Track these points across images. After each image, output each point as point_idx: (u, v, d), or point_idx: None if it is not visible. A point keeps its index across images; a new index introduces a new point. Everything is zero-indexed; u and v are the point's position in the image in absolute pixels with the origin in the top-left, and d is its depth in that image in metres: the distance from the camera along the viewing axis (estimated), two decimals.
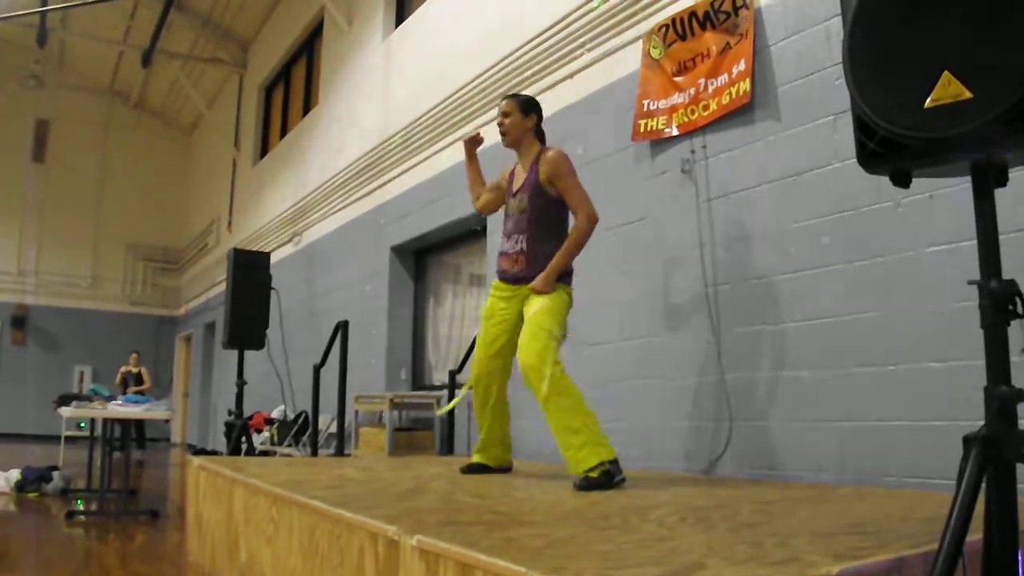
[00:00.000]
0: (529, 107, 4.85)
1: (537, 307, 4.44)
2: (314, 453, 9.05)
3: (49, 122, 22.39)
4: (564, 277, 4.61)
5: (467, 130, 8.84)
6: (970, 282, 1.99)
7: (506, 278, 4.74)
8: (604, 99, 6.82)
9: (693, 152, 5.88)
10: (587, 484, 3.99)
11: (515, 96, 4.98)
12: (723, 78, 5.71)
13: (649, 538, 2.48)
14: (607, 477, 4.05)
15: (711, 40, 5.85)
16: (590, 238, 4.62)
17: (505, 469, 5.07)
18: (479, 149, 5.29)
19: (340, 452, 8.69)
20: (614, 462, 4.14)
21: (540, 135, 4.90)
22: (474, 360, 4.91)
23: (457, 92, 9.06)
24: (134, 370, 16.75)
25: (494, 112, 8.27)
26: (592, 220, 4.58)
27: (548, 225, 4.64)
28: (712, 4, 5.84)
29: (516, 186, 4.78)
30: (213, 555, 4.68)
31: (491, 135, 5.35)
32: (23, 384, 20.43)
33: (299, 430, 10.82)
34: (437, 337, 10.21)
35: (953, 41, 1.89)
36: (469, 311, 9.56)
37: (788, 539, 2.43)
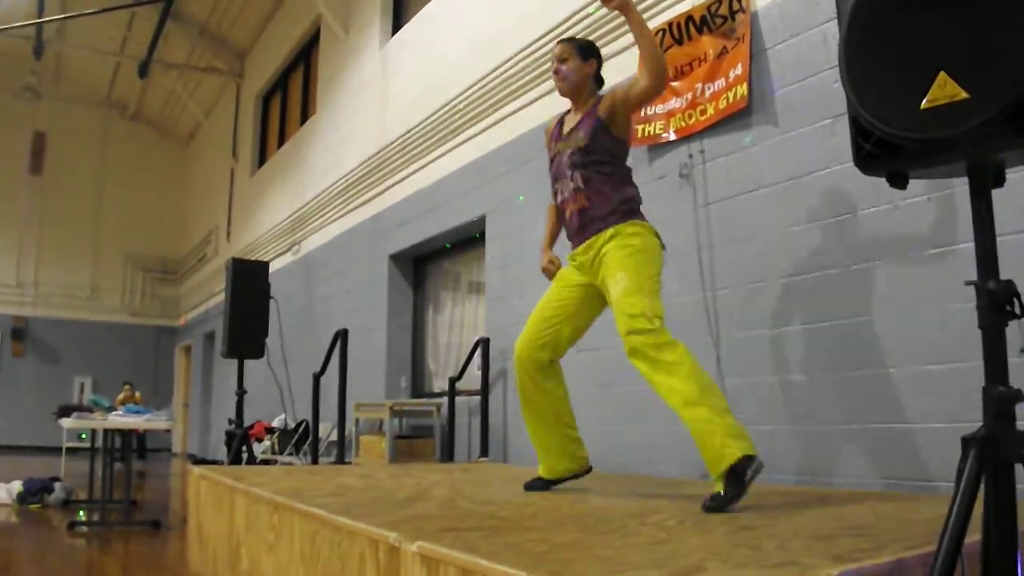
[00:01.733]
0: (589, 51, 4.28)
1: (621, 284, 3.82)
2: (315, 461, 9.05)
3: (46, 134, 22.37)
4: (636, 213, 4.07)
5: (466, 136, 8.87)
6: (967, 283, 1.99)
7: (574, 233, 4.12)
8: None
9: (691, 156, 5.89)
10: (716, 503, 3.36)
11: (571, 39, 4.39)
12: (720, 82, 5.72)
13: (648, 542, 2.48)
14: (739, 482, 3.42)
15: (708, 44, 5.86)
16: (662, 67, 3.84)
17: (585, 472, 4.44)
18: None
19: (341, 460, 8.69)
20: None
21: (600, 83, 4.34)
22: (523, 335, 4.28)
23: (455, 99, 9.07)
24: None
25: (493, 118, 8.33)
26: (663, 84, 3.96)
27: (609, 159, 4.07)
28: (709, 8, 5.85)
29: (568, 128, 4.22)
30: (215, 564, 4.68)
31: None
32: (23, 396, 20.41)
33: (300, 439, 10.81)
34: (437, 345, 10.21)
35: (949, 42, 1.89)
36: (468, 318, 9.56)
37: (787, 542, 2.43)
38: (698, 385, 3.62)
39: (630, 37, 6.49)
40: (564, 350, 4.29)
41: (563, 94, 4.33)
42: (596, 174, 4.04)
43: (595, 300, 4.15)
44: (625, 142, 4.15)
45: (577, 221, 4.08)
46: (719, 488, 3.39)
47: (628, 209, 4.03)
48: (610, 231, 3.95)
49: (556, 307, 4.21)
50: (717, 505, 3.31)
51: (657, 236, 4.04)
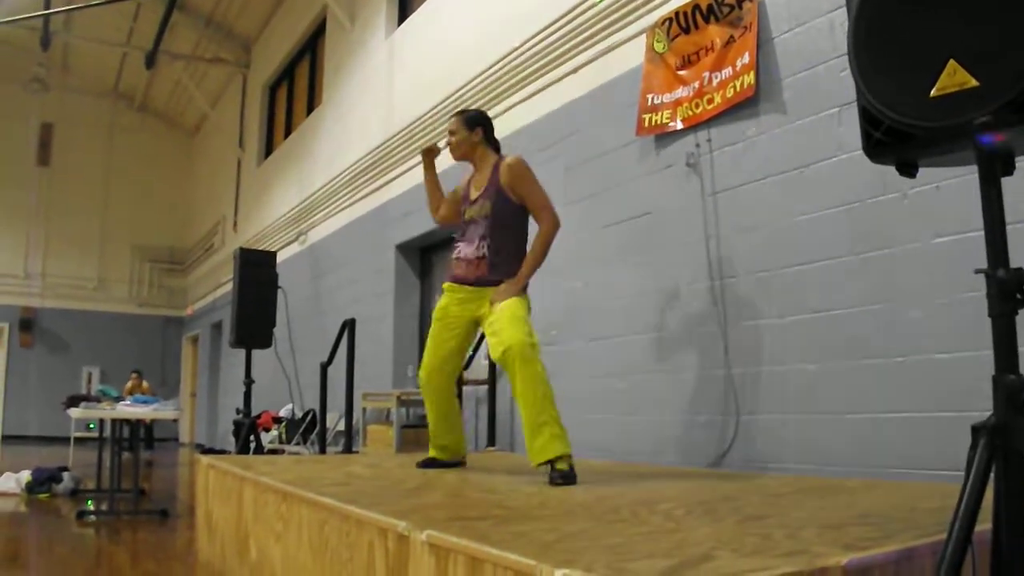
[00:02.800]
0: (474, 121, 4.93)
1: (505, 305, 4.45)
2: (322, 451, 9.05)
3: (53, 125, 22.40)
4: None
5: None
6: (977, 271, 1.98)
7: (465, 281, 4.74)
8: (608, 94, 6.81)
9: (698, 146, 5.88)
10: (562, 477, 4.03)
11: (461, 112, 5.08)
12: (727, 71, 5.70)
13: (658, 531, 2.48)
14: (572, 471, 4.09)
15: (715, 33, 5.84)
16: (554, 242, 4.65)
17: (458, 463, 5.11)
18: (439, 160, 5.35)
19: (348, 449, 8.69)
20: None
21: (493, 145, 4.95)
22: (424, 359, 4.96)
23: (460, 89, 9.06)
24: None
25: (499, 108, 8.31)
26: (556, 224, 4.63)
27: (510, 230, 4.68)
28: None
29: (475, 194, 4.80)
30: (223, 553, 4.69)
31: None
32: (32, 386, 20.47)
33: (307, 428, 10.84)
34: None
35: (958, 29, 1.88)
36: None
37: (797, 531, 2.43)
38: (544, 400, 4.25)
39: (636, 26, 6.52)
40: (455, 377, 5.08)
41: (456, 159, 5.03)
42: (497, 246, 4.63)
43: (471, 331, 4.87)
44: (525, 209, 4.69)
45: (474, 276, 4.68)
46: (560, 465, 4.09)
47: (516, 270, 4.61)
48: (503, 285, 4.56)
49: (447, 340, 4.87)
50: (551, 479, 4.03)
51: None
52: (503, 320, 4.37)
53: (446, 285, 4.87)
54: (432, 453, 5.07)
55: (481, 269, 4.64)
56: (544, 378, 4.24)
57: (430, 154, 5.29)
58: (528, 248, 4.69)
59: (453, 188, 5.14)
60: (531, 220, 4.73)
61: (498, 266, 4.60)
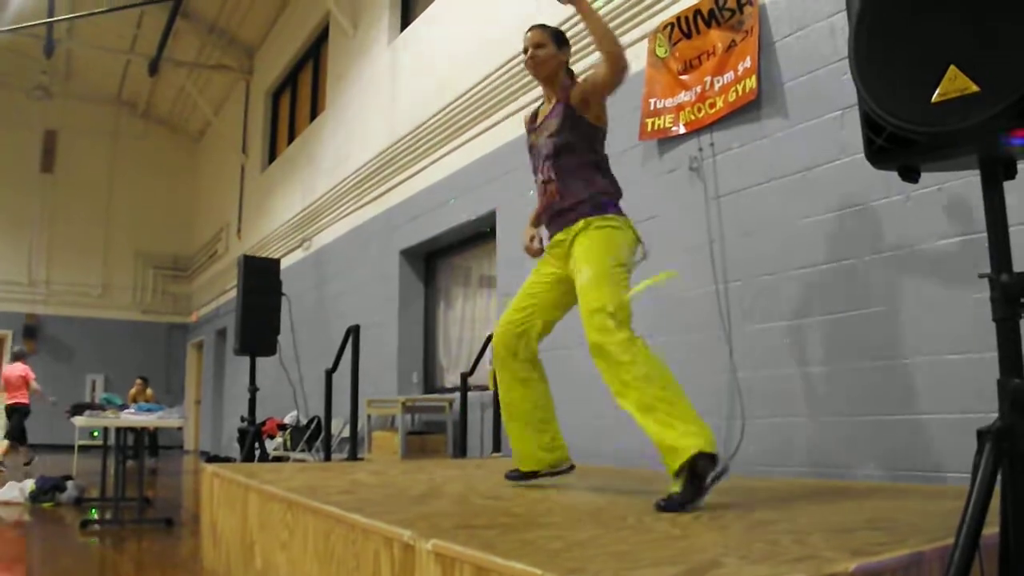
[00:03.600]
0: (563, 39, 4.25)
1: (584, 277, 3.77)
2: (327, 458, 9.06)
3: (57, 132, 22.46)
4: (610, 206, 3.95)
5: (476, 131, 8.86)
6: (981, 275, 1.99)
7: (548, 223, 4.09)
8: (611, 98, 6.79)
9: (701, 150, 5.88)
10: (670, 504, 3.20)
11: (545, 26, 4.29)
12: (729, 75, 5.70)
13: (664, 538, 2.48)
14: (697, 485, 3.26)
15: (716, 37, 5.85)
16: (618, 51, 3.81)
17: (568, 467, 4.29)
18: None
19: (353, 456, 8.71)
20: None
21: (571, 74, 4.26)
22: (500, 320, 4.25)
23: (464, 95, 9.07)
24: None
25: (501, 114, 8.32)
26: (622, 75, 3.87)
27: (581, 148, 4.00)
28: (717, 1, 5.84)
29: (541, 118, 4.20)
30: (228, 562, 4.69)
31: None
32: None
33: (312, 435, 10.83)
34: (448, 340, 10.21)
35: (959, 35, 1.89)
36: (480, 313, 9.56)
37: (804, 536, 2.43)
38: (654, 387, 3.50)
39: (637, 31, 6.54)
40: (536, 342, 4.20)
41: (538, 79, 4.29)
42: (567, 165, 3.98)
43: (568, 291, 4.00)
44: (600, 129, 4.09)
45: (549, 212, 4.06)
46: (675, 488, 3.23)
47: (601, 202, 3.93)
48: (581, 223, 3.88)
49: (529, 299, 4.17)
50: (669, 506, 3.15)
51: (633, 230, 3.98)
52: (579, 297, 3.77)
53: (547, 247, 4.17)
54: (528, 466, 4.25)
55: (551, 191, 4.01)
56: (643, 371, 3.55)
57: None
58: (612, 178, 4.05)
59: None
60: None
61: (570, 186, 3.95)
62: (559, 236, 4.00)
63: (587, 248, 3.82)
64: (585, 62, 7.13)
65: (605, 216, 3.89)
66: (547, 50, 4.16)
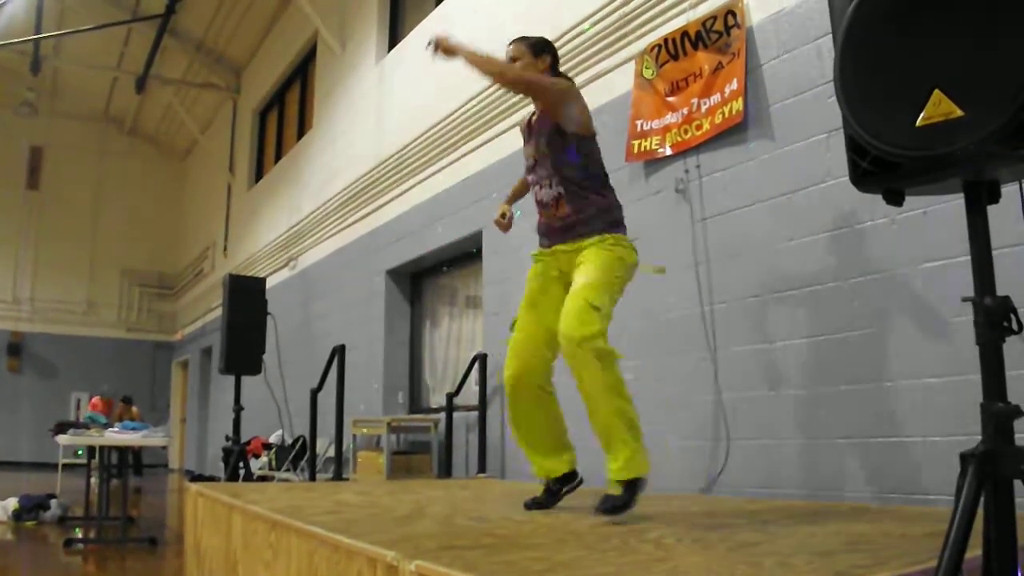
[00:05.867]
0: (540, 47, 4.24)
1: (590, 273, 3.80)
2: (312, 478, 9.03)
3: (43, 149, 22.42)
4: (615, 225, 3.98)
5: (462, 151, 8.87)
6: (964, 299, 2.00)
7: (553, 235, 4.04)
8: (597, 120, 6.79)
9: (687, 172, 5.90)
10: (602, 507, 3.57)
11: (523, 38, 4.33)
12: (716, 97, 5.73)
13: (648, 559, 2.47)
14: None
15: (703, 59, 5.88)
16: (538, 87, 4.06)
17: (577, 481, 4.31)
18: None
19: (338, 476, 8.68)
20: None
21: (558, 74, 4.27)
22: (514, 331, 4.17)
23: (451, 115, 9.08)
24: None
25: (489, 134, 8.33)
26: (551, 90, 4.03)
27: (577, 162, 3.99)
28: (704, 24, 5.87)
29: (534, 131, 4.17)
30: None
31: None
32: (19, 412, 20.35)
33: (297, 455, 10.80)
34: (434, 360, 10.20)
35: (943, 60, 1.90)
36: (465, 333, 9.55)
37: (788, 558, 2.42)
38: (620, 400, 3.77)
39: (624, 52, 6.56)
40: (549, 369, 4.11)
41: (517, 93, 4.33)
42: (573, 177, 3.98)
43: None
44: (583, 136, 4.04)
45: (555, 224, 4.02)
46: (617, 492, 3.64)
47: (612, 220, 3.97)
48: (595, 238, 3.89)
49: (534, 318, 4.07)
50: (608, 506, 3.58)
51: (636, 253, 4.02)
52: (571, 301, 3.75)
53: (533, 254, 4.18)
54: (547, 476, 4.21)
55: (560, 207, 3.97)
56: (617, 377, 3.71)
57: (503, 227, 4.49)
58: (605, 187, 4.06)
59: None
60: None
61: (577, 199, 3.94)
62: (563, 247, 4.00)
63: (599, 257, 3.85)
64: (588, 73, 7.16)
65: (618, 236, 3.94)
66: (523, 62, 4.21)
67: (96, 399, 16.92)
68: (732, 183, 5.58)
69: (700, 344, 5.64)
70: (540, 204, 4.10)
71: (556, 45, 7.20)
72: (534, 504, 4.09)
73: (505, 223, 4.42)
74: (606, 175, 4.12)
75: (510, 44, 4.32)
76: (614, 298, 3.82)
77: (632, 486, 3.66)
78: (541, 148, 4.06)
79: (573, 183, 3.97)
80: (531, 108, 4.34)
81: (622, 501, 3.61)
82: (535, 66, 4.17)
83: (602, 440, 3.73)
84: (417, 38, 10.49)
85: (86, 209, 22.90)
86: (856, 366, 4.68)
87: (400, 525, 3.42)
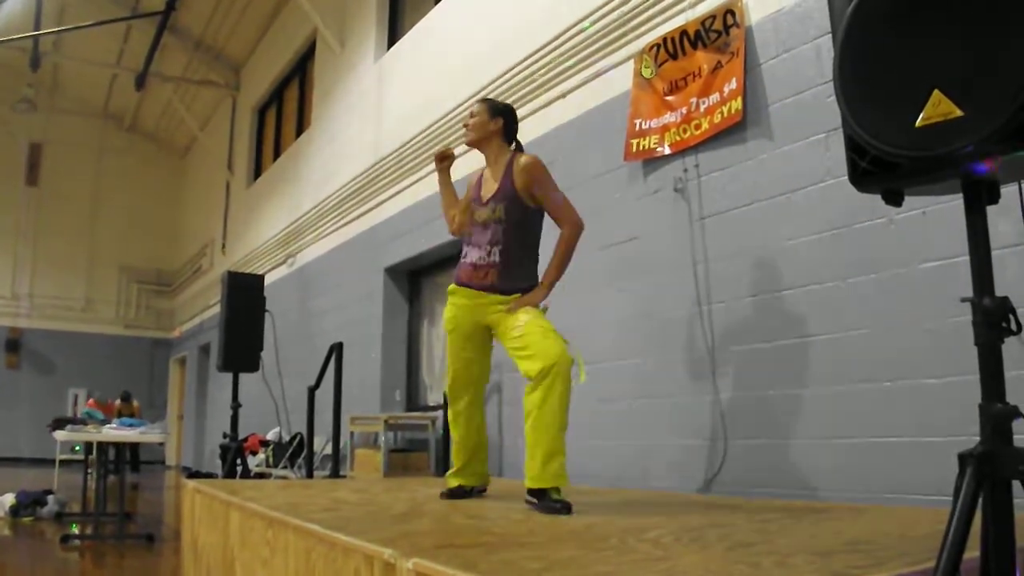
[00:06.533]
0: (498, 111, 4.60)
1: (528, 319, 4.16)
2: (309, 475, 9.03)
3: (42, 145, 22.42)
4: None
5: (459, 151, 8.86)
6: (963, 299, 1.99)
7: (471, 286, 4.42)
8: (596, 119, 6.83)
9: (686, 171, 5.90)
10: (564, 505, 3.82)
11: (487, 100, 4.74)
12: (715, 97, 5.72)
13: (646, 559, 2.47)
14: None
15: (702, 59, 5.87)
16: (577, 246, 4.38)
17: (485, 488, 4.76)
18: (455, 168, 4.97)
19: (335, 474, 8.67)
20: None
21: (512, 141, 4.61)
22: (448, 376, 4.64)
23: (449, 113, 9.08)
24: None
25: None
26: (578, 227, 4.36)
27: (524, 236, 4.37)
28: (703, 23, 5.87)
29: (487, 194, 4.47)
30: None
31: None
32: (17, 408, 20.36)
33: (294, 452, 10.80)
34: (432, 358, 10.20)
35: (943, 59, 1.90)
36: None
37: (786, 558, 2.42)
38: (561, 419, 4.01)
39: (623, 51, 6.56)
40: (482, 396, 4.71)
41: (467, 143, 4.70)
42: (510, 253, 4.33)
43: (487, 338, 4.51)
44: (540, 211, 4.42)
45: (480, 283, 4.38)
46: (553, 495, 3.92)
47: (531, 286, 4.36)
48: (515, 296, 4.31)
49: (467, 363, 4.56)
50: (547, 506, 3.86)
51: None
52: (535, 335, 4.07)
53: (451, 288, 4.55)
54: (458, 481, 4.64)
55: (490, 276, 4.33)
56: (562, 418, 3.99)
57: (444, 160, 4.87)
58: (538, 254, 4.46)
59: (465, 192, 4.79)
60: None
61: (509, 274, 4.31)
62: (492, 297, 4.37)
63: (530, 319, 4.22)
64: (570, 81, 7.17)
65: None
66: (478, 118, 4.59)
67: (91, 402, 16.92)
68: (731, 182, 5.58)
69: (698, 344, 5.64)
70: (472, 261, 4.45)
71: (556, 44, 7.27)
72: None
73: (446, 155, 4.90)
74: (537, 241, 4.50)
75: (475, 103, 4.73)
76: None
77: (556, 495, 3.97)
78: (497, 215, 4.38)
79: (512, 254, 4.36)
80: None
81: (558, 506, 3.87)
82: (487, 125, 4.56)
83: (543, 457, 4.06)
84: (415, 37, 10.48)
85: (85, 206, 22.91)
86: (854, 366, 4.68)
87: (397, 523, 3.42)
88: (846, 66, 2.09)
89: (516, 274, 4.35)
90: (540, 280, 4.40)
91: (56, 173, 22.56)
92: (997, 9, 1.81)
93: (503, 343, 4.32)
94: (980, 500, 1.86)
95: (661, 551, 2.63)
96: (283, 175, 15.05)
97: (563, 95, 7.31)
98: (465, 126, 4.66)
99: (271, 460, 11.22)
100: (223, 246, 18.60)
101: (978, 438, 1.90)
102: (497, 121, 4.56)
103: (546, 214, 4.42)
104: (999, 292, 1.94)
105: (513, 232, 4.34)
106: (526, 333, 4.12)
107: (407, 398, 10.31)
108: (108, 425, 7.92)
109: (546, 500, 3.89)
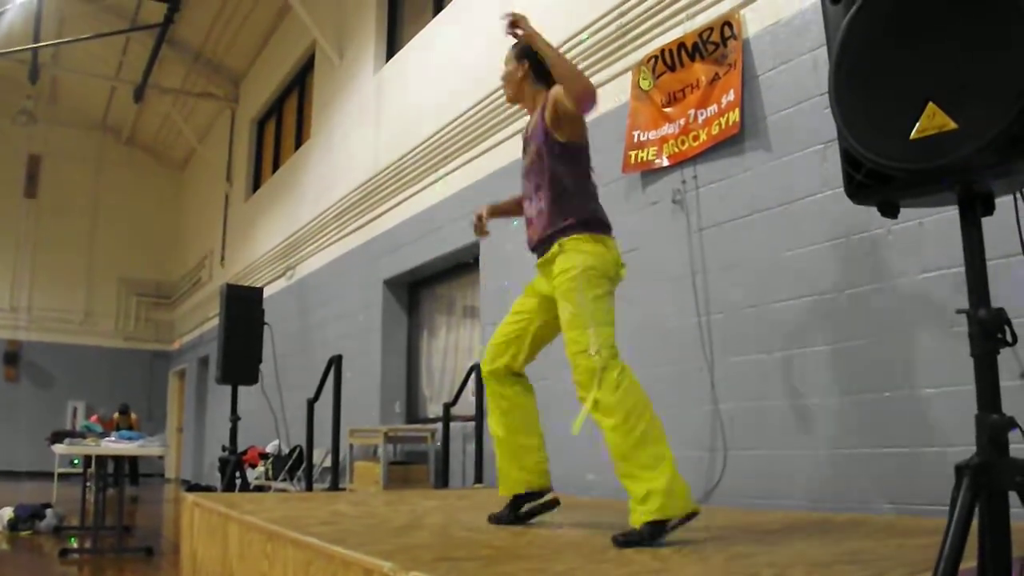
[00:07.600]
0: (523, 53, 4.14)
1: (569, 307, 3.69)
2: (309, 488, 9.02)
3: (41, 158, 22.43)
4: (595, 225, 3.86)
5: (459, 162, 8.88)
6: (959, 311, 2.00)
7: (533, 245, 3.99)
8: (594, 131, 6.80)
9: (684, 182, 5.91)
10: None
11: (513, 46, 4.25)
12: (713, 108, 5.74)
13: (644, 571, 2.47)
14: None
15: (700, 71, 5.89)
16: (582, 86, 3.77)
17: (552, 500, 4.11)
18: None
19: (335, 486, 8.66)
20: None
21: (545, 81, 4.06)
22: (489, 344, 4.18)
23: (449, 124, 9.09)
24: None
25: (487, 144, 8.34)
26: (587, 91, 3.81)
27: (565, 173, 3.92)
28: (701, 35, 5.88)
29: (527, 136, 4.14)
30: None
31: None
32: (16, 420, 20.34)
33: (293, 465, 10.78)
34: (431, 370, 10.19)
35: (937, 73, 1.91)
36: (463, 343, 9.55)
37: (785, 569, 2.43)
38: (632, 437, 3.54)
39: (621, 63, 6.57)
40: (522, 363, 4.16)
41: (508, 102, 4.39)
42: (548, 188, 3.90)
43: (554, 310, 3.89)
44: (576, 144, 4.00)
45: (531, 234, 4.00)
46: (637, 525, 3.24)
47: (577, 221, 3.82)
48: (555, 247, 3.81)
49: (517, 319, 4.11)
50: (628, 541, 3.16)
51: (608, 247, 3.85)
52: (570, 347, 3.70)
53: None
54: (506, 490, 4.04)
55: (543, 226, 3.89)
56: (621, 418, 3.63)
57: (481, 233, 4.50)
58: (591, 196, 3.97)
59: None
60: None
61: (558, 210, 3.85)
62: (545, 257, 3.90)
63: (565, 283, 3.73)
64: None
65: (576, 237, 3.80)
66: (507, 67, 4.22)
67: (95, 418, 16.92)
68: (729, 194, 5.59)
69: (697, 354, 5.64)
70: (527, 214, 4.07)
71: (568, 43, 7.20)
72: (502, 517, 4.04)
73: (479, 226, 4.46)
74: (587, 179, 4.04)
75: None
76: (597, 316, 3.71)
77: (650, 529, 3.23)
78: (536, 154, 3.99)
79: (547, 193, 3.91)
80: (517, 130, 4.35)
81: (637, 536, 3.20)
82: (515, 71, 4.18)
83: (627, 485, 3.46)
84: (414, 50, 10.51)
85: (84, 218, 22.90)
86: (852, 377, 4.69)
87: (397, 536, 3.42)
88: (841, 79, 2.10)
89: (565, 210, 3.84)
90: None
91: (55, 185, 22.56)
92: (989, 23, 1.83)
93: None
94: (977, 510, 1.87)
95: (660, 562, 2.63)
96: (282, 187, 15.06)
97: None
98: (504, 84, 4.29)
99: (270, 473, 11.21)
100: (222, 258, 18.59)
101: (974, 449, 1.91)
102: (523, 64, 4.16)
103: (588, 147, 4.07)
104: (995, 304, 1.95)
105: (555, 170, 3.92)
106: (566, 342, 3.74)
107: (406, 410, 10.30)
108: (107, 438, 7.91)
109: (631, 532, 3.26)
